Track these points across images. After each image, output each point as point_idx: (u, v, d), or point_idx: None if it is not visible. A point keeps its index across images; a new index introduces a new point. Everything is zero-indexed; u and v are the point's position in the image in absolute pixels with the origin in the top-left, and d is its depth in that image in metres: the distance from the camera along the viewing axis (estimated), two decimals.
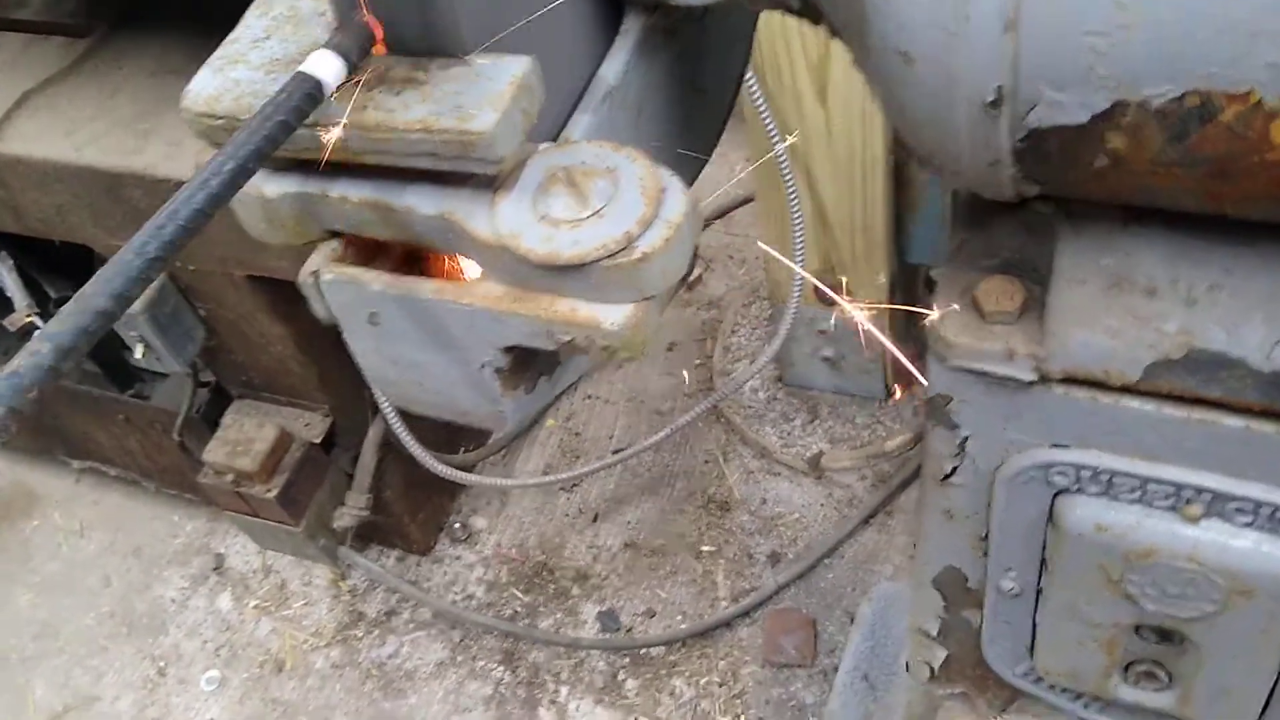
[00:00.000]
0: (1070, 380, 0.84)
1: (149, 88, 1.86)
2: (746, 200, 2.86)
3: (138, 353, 2.03)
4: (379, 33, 0.70)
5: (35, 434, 2.64)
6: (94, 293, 0.57)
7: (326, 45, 0.68)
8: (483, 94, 0.68)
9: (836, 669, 1.95)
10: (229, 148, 0.62)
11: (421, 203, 0.73)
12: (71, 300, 0.57)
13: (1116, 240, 0.80)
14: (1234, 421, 0.81)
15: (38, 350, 0.54)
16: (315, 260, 0.80)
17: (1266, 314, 0.77)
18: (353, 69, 0.68)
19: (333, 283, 0.79)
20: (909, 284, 2.37)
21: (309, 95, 0.66)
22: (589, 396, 2.67)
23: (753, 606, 2.21)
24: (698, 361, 2.67)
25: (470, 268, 0.81)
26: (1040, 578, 1.00)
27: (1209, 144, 0.66)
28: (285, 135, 0.65)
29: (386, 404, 1.91)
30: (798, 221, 1.92)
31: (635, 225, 0.68)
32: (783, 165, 1.87)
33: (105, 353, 2.24)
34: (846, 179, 2.04)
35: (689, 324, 2.76)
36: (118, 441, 2.50)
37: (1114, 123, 0.66)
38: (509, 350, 0.77)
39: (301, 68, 0.66)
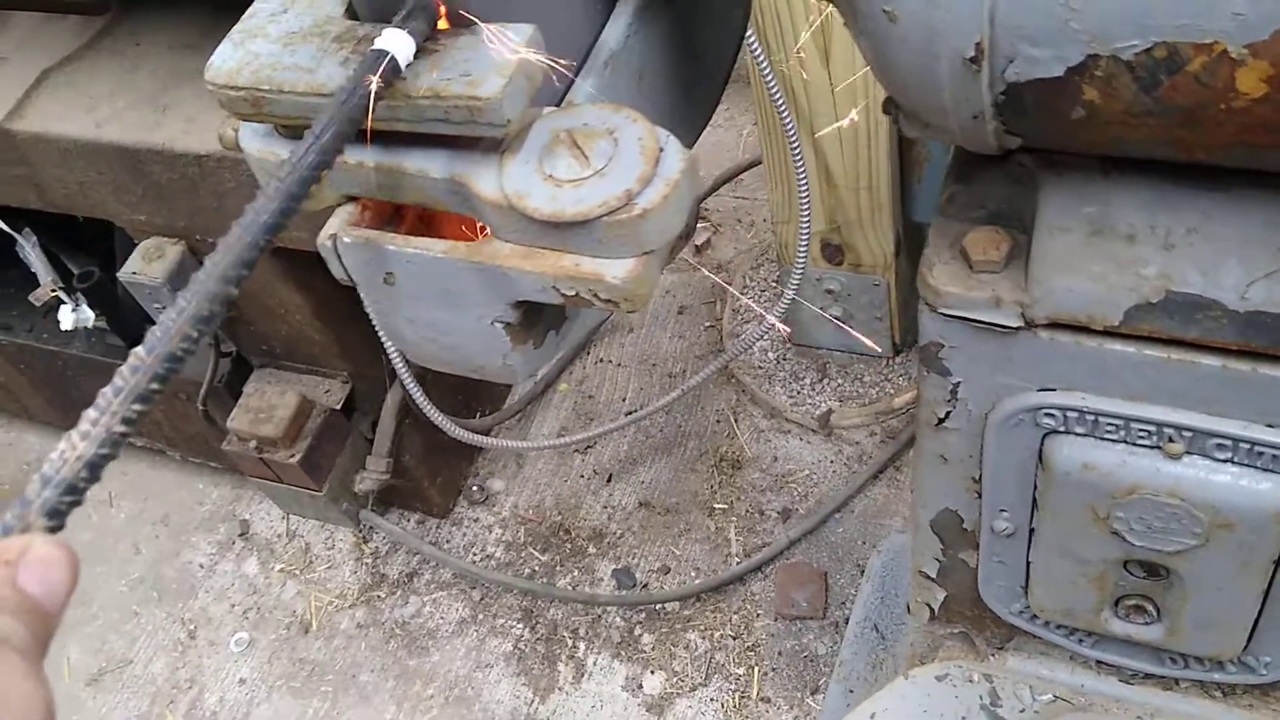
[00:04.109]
0: (1055, 325, 0.87)
1: (166, 63, 1.89)
2: (754, 163, 2.89)
3: None
4: (442, 9, 0.73)
5: (61, 407, 2.70)
6: (219, 262, 0.60)
7: (395, 24, 0.71)
8: (489, 61, 0.71)
9: (848, 620, 2.00)
10: (321, 121, 0.66)
11: (432, 166, 0.77)
12: (201, 273, 0.60)
13: (1097, 189, 0.84)
14: (1211, 361, 0.84)
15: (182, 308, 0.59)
16: (334, 224, 0.84)
17: (1241, 256, 0.80)
18: (419, 48, 0.71)
19: (350, 245, 0.83)
20: (915, 242, 2.40)
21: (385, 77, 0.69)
22: (601, 360, 2.72)
23: (765, 561, 2.26)
24: (708, 324, 2.71)
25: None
26: (1032, 518, 1.04)
27: (1178, 93, 0.69)
28: (364, 112, 0.68)
29: (404, 370, 1.96)
30: (803, 182, 1.96)
31: (635, 183, 0.71)
32: (788, 127, 1.90)
33: (128, 326, 2.30)
34: (851, 139, 2.07)
35: (698, 287, 2.79)
36: None
37: (1088, 75, 0.70)
38: (518, 305, 0.81)
39: (378, 45, 0.69)
